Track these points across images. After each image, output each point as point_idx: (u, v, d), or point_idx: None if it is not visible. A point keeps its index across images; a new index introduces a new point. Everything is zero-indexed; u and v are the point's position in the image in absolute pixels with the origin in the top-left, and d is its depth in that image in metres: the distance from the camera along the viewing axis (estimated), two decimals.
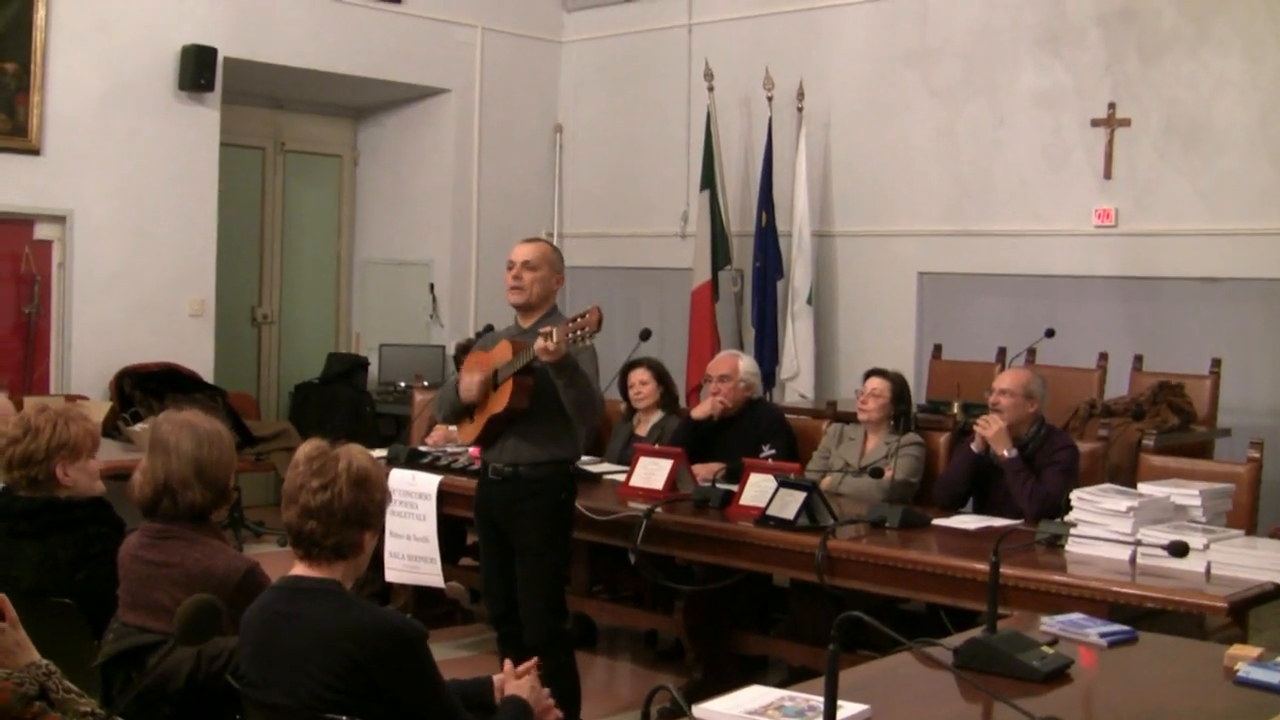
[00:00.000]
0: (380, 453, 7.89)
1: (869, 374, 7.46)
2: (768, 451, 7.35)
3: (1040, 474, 6.49)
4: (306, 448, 3.55)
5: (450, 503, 7.40)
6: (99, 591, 4.29)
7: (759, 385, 7.89)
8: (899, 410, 7.30)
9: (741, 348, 10.51)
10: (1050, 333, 8.89)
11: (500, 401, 5.85)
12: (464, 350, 8.78)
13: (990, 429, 6.58)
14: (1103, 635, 4.18)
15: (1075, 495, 5.70)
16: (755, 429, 7.59)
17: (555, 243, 12.10)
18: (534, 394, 5.80)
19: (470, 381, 5.99)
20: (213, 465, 4.19)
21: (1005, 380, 6.75)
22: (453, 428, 8.30)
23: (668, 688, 3.03)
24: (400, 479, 7.36)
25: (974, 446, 6.71)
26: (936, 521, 6.25)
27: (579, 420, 5.83)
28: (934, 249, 10.41)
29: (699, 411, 7.78)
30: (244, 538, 10.12)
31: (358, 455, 3.54)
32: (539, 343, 5.49)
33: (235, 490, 8.63)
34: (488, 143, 12.32)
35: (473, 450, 7.89)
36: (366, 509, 3.50)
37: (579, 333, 5.43)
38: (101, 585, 4.28)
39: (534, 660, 3.97)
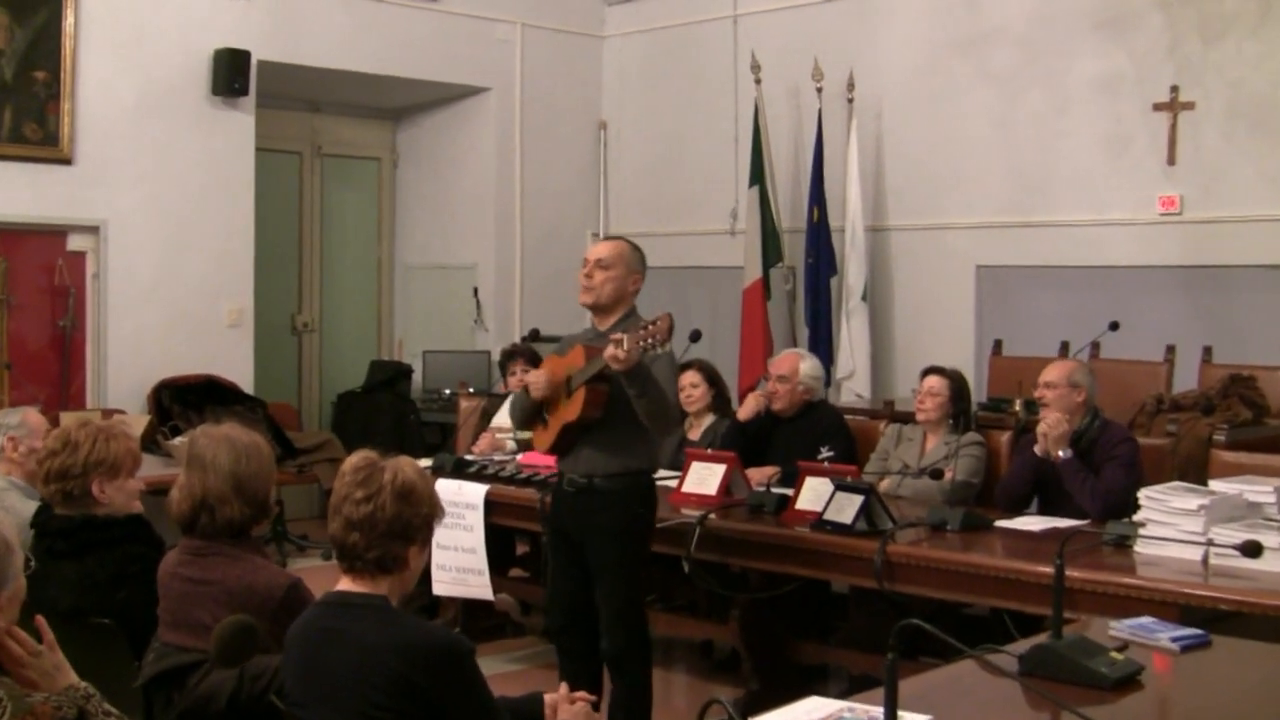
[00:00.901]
0: (425, 462, 7.90)
1: (926, 372, 7.43)
2: (826, 453, 7.32)
3: (1099, 470, 6.45)
4: (354, 459, 3.57)
5: (498, 512, 7.42)
6: (139, 611, 4.30)
7: (819, 388, 7.85)
8: (958, 409, 7.27)
9: (795, 344, 10.48)
10: (1114, 325, 8.82)
11: (573, 410, 5.85)
12: (509, 355, 8.80)
13: (1057, 429, 6.53)
14: (1175, 640, 4.13)
15: (1143, 494, 5.65)
16: (813, 431, 7.57)
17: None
18: (609, 402, 5.79)
19: (538, 376, 5.98)
20: (251, 479, 4.20)
21: (1048, 373, 6.71)
22: (500, 435, 8.36)
23: (721, 701, 3.02)
24: (446, 489, 7.36)
25: (1037, 450, 6.65)
26: (999, 523, 6.21)
27: (653, 431, 5.83)
28: (992, 241, 10.35)
29: (744, 413, 7.77)
30: (287, 552, 10.16)
31: (405, 468, 3.54)
32: (608, 350, 5.50)
33: (277, 504, 8.69)
34: (530, 142, 12.34)
35: (521, 458, 7.93)
36: (410, 522, 3.50)
37: (649, 341, 5.42)
38: (141, 605, 4.30)
39: (587, 694, 3.96)
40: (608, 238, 6.10)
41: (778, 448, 7.55)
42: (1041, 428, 6.59)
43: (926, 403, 7.28)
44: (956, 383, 7.33)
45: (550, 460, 7.24)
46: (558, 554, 6.12)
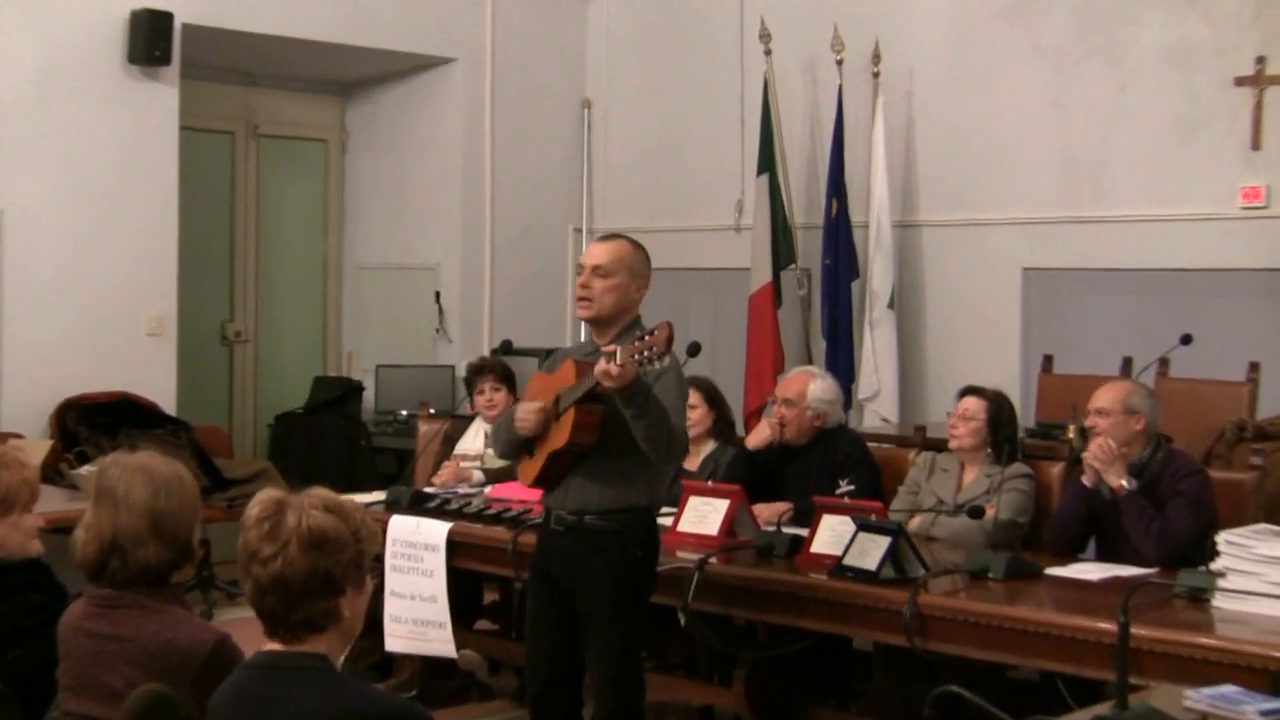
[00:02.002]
0: (378, 496, 7.89)
1: (963, 392, 7.40)
2: (845, 487, 7.30)
3: (1163, 507, 6.42)
4: (255, 506, 3.53)
5: (462, 554, 7.39)
6: (36, 673, 4.28)
7: (836, 413, 7.81)
8: (1001, 436, 7.23)
9: (810, 362, 10.46)
10: (1187, 339, 8.80)
11: (562, 434, 5.84)
12: (477, 371, 8.78)
13: (1104, 455, 6.50)
14: (1264, 713, 4.10)
15: (1223, 538, 5.62)
16: (830, 461, 7.55)
17: (585, 240, 12.13)
18: (604, 426, 5.79)
19: (528, 410, 5.98)
20: (171, 517, 4.17)
21: (1100, 398, 6.69)
22: (465, 464, 8.34)
23: None
24: (402, 528, 7.36)
25: (1085, 480, 6.64)
26: (1050, 571, 6.19)
27: (654, 458, 5.81)
28: (1042, 240, 10.32)
29: (754, 439, 7.74)
30: (214, 601, 10.13)
31: (312, 508, 3.48)
32: (599, 364, 5.50)
33: (202, 546, 8.64)
34: (503, 122, 12.32)
35: (489, 491, 7.90)
36: (331, 573, 3.46)
37: (644, 353, 5.41)
38: (39, 665, 4.27)
39: None
40: (605, 237, 6.08)
41: (790, 480, 7.53)
42: (1088, 456, 6.57)
43: (959, 428, 7.25)
44: (996, 405, 7.29)
45: (525, 493, 7.23)
46: (541, 604, 6.11)
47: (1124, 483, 6.47)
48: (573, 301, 12.25)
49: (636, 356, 5.41)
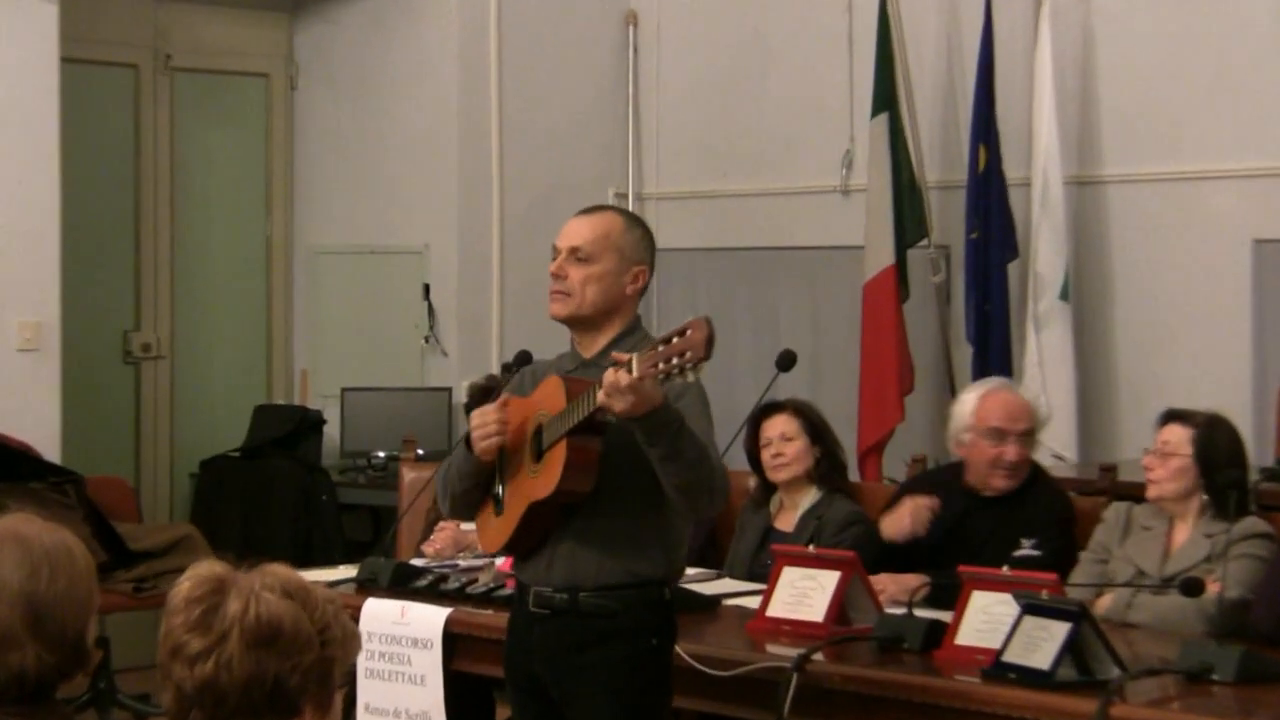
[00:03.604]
0: (346, 572, 7.88)
1: (1164, 418, 7.34)
2: (1027, 549, 7.25)
3: None
4: (186, 583, 3.49)
5: (466, 652, 7.40)
6: None
7: None
8: (1222, 480, 7.15)
9: (950, 372, 10.44)
10: None
11: (546, 481, 5.81)
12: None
13: None
14: None
15: None
16: (1018, 515, 7.60)
17: (636, 210, 12.12)
18: (604, 467, 5.76)
19: (486, 414, 5.96)
20: (56, 606, 4.14)
21: None
22: (468, 525, 8.30)
23: None
24: (381, 616, 7.38)
25: None
26: None
27: (688, 512, 5.82)
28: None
29: (893, 528, 7.58)
30: None
31: (266, 590, 3.45)
32: (607, 379, 5.42)
33: (99, 646, 8.67)
34: (515, 48, 12.37)
35: (502, 563, 7.86)
36: (283, 683, 3.42)
37: (674, 361, 5.33)
38: None
39: None
40: (589, 209, 6.05)
41: (969, 541, 7.51)
42: None
43: (1156, 469, 7.20)
44: (1207, 434, 7.22)
45: None
46: (525, 714, 6.18)
47: None
48: None
49: (662, 365, 5.30)
